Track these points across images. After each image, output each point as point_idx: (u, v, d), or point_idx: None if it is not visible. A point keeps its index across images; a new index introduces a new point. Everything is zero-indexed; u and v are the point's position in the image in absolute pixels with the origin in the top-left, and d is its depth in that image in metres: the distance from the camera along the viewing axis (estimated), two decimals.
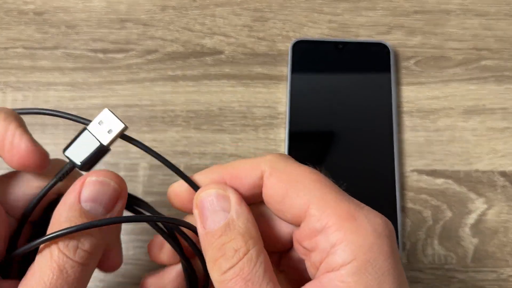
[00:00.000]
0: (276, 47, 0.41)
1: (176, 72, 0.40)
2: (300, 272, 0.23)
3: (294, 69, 0.39)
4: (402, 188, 0.37)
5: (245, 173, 0.22)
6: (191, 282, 0.25)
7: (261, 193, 0.22)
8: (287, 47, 0.41)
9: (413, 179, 0.37)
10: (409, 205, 0.36)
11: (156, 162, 0.37)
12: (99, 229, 0.21)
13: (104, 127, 0.22)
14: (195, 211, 0.22)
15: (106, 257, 0.24)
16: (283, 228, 0.23)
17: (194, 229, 0.23)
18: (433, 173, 0.37)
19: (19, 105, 0.39)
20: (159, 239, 0.25)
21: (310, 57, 0.40)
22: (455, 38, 0.41)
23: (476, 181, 0.37)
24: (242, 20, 0.42)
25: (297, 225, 0.22)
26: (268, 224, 0.23)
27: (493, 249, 0.35)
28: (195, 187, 0.23)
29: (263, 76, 0.40)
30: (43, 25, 0.42)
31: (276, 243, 0.24)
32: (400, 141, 0.38)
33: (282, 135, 0.38)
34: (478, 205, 0.36)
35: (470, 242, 0.35)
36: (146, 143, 0.38)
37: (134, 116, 0.39)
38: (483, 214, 0.36)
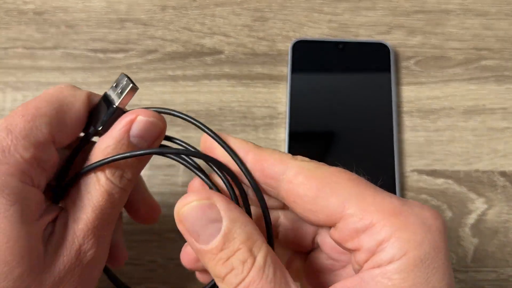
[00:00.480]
0: (276, 47, 0.41)
1: (176, 72, 0.40)
2: (321, 273, 0.23)
3: (294, 69, 0.39)
4: (402, 188, 0.37)
5: (270, 161, 0.21)
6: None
7: (272, 188, 0.22)
8: (287, 47, 0.41)
9: (413, 179, 0.37)
10: None
11: (157, 162, 0.37)
12: (139, 162, 0.23)
13: (118, 89, 0.24)
14: (180, 227, 0.21)
15: (112, 253, 0.25)
16: (304, 229, 0.23)
17: (226, 169, 0.23)
18: (433, 173, 0.37)
19: (19, 105, 0.39)
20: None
21: (310, 57, 0.40)
22: (455, 38, 0.41)
23: (476, 181, 0.37)
24: (242, 20, 0.42)
25: (330, 226, 0.21)
26: (288, 227, 0.23)
27: (493, 249, 0.35)
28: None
29: (263, 76, 0.40)
30: (43, 25, 0.41)
31: (296, 246, 0.23)
32: (400, 141, 0.38)
33: (282, 135, 0.38)
34: (478, 205, 0.36)
35: (470, 242, 0.35)
36: None
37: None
38: (483, 214, 0.36)
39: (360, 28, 0.42)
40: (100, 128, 0.24)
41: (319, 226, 0.22)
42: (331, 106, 0.38)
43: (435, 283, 0.18)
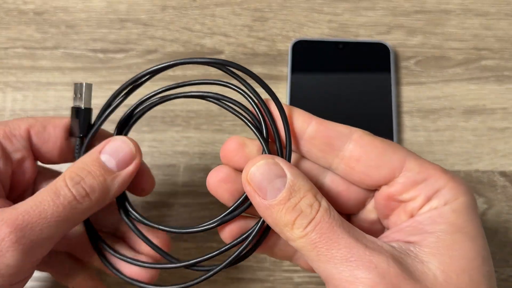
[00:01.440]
0: (276, 47, 0.41)
1: (176, 72, 0.40)
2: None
3: (294, 69, 0.39)
4: None
5: (334, 125, 0.24)
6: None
7: (334, 151, 0.24)
8: (287, 47, 0.41)
9: None
10: None
11: (157, 162, 0.37)
12: (101, 175, 0.24)
13: (77, 95, 0.27)
14: (248, 188, 0.22)
15: (138, 180, 0.27)
16: (353, 194, 0.25)
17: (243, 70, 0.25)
18: None
19: (19, 105, 0.39)
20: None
21: (310, 57, 0.40)
22: (455, 38, 0.41)
23: (476, 181, 0.37)
24: (242, 20, 0.42)
25: (387, 182, 0.23)
26: (338, 190, 0.25)
27: (493, 249, 0.35)
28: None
29: (263, 76, 0.40)
30: (43, 25, 0.42)
31: (345, 208, 0.25)
32: (400, 141, 0.38)
33: None
34: (478, 205, 0.36)
35: None
36: (146, 143, 0.38)
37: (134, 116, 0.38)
38: (483, 214, 0.36)
39: (360, 28, 0.42)
40: (81, 135, 0.27)
41: (375, 183, 0.24)
42: (331, 106, 0.38)
43: (477, 223, 0.22)
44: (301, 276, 0.34)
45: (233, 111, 0.25)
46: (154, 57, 0.41)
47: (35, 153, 0.28)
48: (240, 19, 0.42)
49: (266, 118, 0.24)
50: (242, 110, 0.25)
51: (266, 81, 0.40)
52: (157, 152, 0.37)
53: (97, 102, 0.39)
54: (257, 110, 0.25)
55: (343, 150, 0.24)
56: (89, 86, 0.27)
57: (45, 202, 0.23)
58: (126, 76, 0.40)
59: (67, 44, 0.41)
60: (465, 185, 0.23)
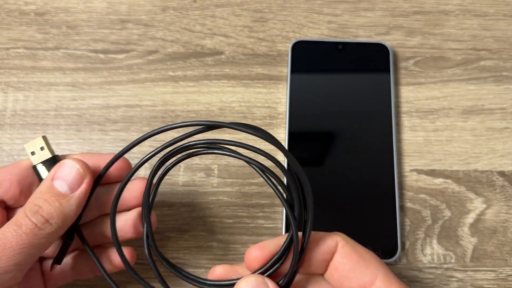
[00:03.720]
0: (276, 48, 0.41)
1: (177, 72, 0.40)
2: None
3: (294, 70, 0.39)
4: (401, 187, 0.37)
5: (322, 239, 0.26)
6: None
7: (323, 262, 0.26)
8: (287, 47, 0.41)
9: (412, 178, 0.37)
10: (408, 204, 0.36)
11: None
12: (59, 204, 0.26)
13: (39, 150, 0.29)
14: None
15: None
16: None
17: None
18: (432, 173, 0.37)
19: (20, 105, 0.39)
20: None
21: (309, 57, 0.40)
22: (454, 38, 0.42)
23: (475, 181, 0.37)
24: (242, 21, 0.42)
25: None
26: None
27: (492, 248, 0.35)
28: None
29: (263, 76, 0.40)
30: (44, 26, 0.42)
31: None
32: (399, 141, 0.38)
33: (282, 135, 0.38)
34: (477, 204, 0.36)
35: (469, 241, 0.35)
36: (147, 143, 0.38)
37: (135, 116, 0.39)
38: (482, 213, 0.36)
39: (359, 28, 0.42)
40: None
41: None
42: (330, 106, 0.38)
43: None
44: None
45: (272, 185, 0.26)
46: (154, 57, 0.41)
47: None
48: (240, 20, 0.42)
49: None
50: (281, 187, 0.26)
51: (266, 82, 0.40)
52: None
53: (98, 102, 0.39)
54: (294, 195, 0.26)
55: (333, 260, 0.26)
56: (44, 138, 0.29)
57: (9, 233, 0.25)
58: (127, 77, 0.40)
59: (68, 45, 0.41)
60: None
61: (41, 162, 0.28)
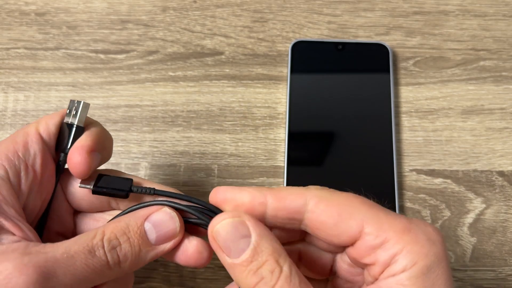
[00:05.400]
0: (276, 48, 0.41)
1: (177, 72, 0.40)
2: None
3: (294, 70, 0.40)
4: (401, 187, 0.37)
5: (290, 197, 0.23)
6: None
7: (297, 221, 0.24)
8: (287, 47, 0.41)
9: (412, 178, 0.37)
10: (408, 204, 0.36)
11: (157, 162, 0.37)
12: (139, 250, 0.24)
13: (72, 112, 0.27)
14: (213, 244, 0.22)
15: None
16: (322, 259, 0.25)
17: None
18: (432, 173, 0.37)
19: (21, 105, 0.39)
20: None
21: (309, 57, 0.40)
22: (453, 38, 0.42)
23: (474, 181, 0.37)
24: (242, 21, 0.42)
25: (349, 245, 0.23)
26: (308, 258, 0.25)
27: (492, 248, 0.35)
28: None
29: (263, 77, 0.40)
30: (45, 26, 0.42)
31: (316, 275, 0.26)
32: (399, 141, 0.38)
33: (282, 135, 0.38)
34: (477, 204, 0.37)
35: (468, 241, 0.36)
36: (147, 143, 0.38)
37: (135, 116, 0.39)
38: (481, 213, 0.36)
39: (359, 29, 0.42)
40: (67, 151, 0.26)
41: (340, 246, 0.24)
42: (330, 106, 0.39)
43: (440, 285, 0.21)
44: None
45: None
46: (155, 57, 0.41)
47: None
48: (240, 20, 0.42)
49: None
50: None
51: (266, 82, 0.40)
52: (158, 152, 0.38)
53: (98, 102, 0.39)
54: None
55: (304, 219, 0.23)
56: (87, 106, 0.27)
57: (78, 258, 0.22)
58: (127, 77, 0.40)
59: (69, 45, 0.41)
60: (428, 244, 0.22)
61: (68, 124, 0.26)
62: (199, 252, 0.25)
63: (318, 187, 0.24)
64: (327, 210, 0.23)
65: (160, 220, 0.25)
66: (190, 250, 0.25)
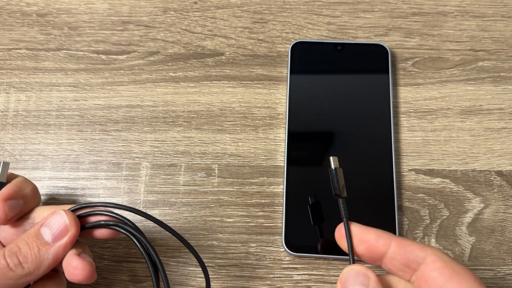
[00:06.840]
0: (276, 49, 0.42)
1: (178, 73, 0.41)
2: None
3: (294, 70, 0.40)
4: (400, 187, 0.37)
5: (413, 247, 0.26)
6: None
7: (411, 270, 0.26)
8: (287, 48, 0.41)
9: (410, 178, 0.37)
10: (407, 204, 0.37)
11: (158, 161, 0.38)
12: (38, 250, 0.27)
13: None
14: (338, 286, 0.26)
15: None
16: None
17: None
18: (431, 173, 0.38)
19: (22, 105, 0.39)
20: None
21: (309, 58, 0.40)
22: (452, 39, 0.42)
23: (473, 181, 0.37)
24: (242, 22, 0.43)
25: None
26: None
27: (490, 247, 0.36)
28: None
29: (263, 77, 0.41)
30: (46, 27, 0.42)
31: None
32: (398, 141, 0.38)
33: (281, 135, 0.39)
34: (475, 204, 0.37)
35: (467, 240, 0.36)
36: (148, 143, 0.39)
37: (136, 117, 0.39)
38: (480, 213, 0.36)
39: (358, 30, 0.42)
40: None
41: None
42: (329, 107, 0.39)
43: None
44: (300, 274, 0.35)
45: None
46: (156, 58, 0.41)
47: None
48: (241, 21, 0.43)
49: None
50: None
51: (266, 82, 0.41)
52: (159, 151, 0.38)
53: (100, 103, 0.40)
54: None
55: (418, 270, 0.26)
56: (6, 164, 0.30)
57: None
58: (128, 77, 0.40)
59: (70, 46, 0.41)
60: None
61: None
62: (75, 268, 0.28)
63: (440, 249, 0.27)
64: (441, 269, 0.25)
65: (52, 220, 0.28)
66: (71, 265, 0.28)
